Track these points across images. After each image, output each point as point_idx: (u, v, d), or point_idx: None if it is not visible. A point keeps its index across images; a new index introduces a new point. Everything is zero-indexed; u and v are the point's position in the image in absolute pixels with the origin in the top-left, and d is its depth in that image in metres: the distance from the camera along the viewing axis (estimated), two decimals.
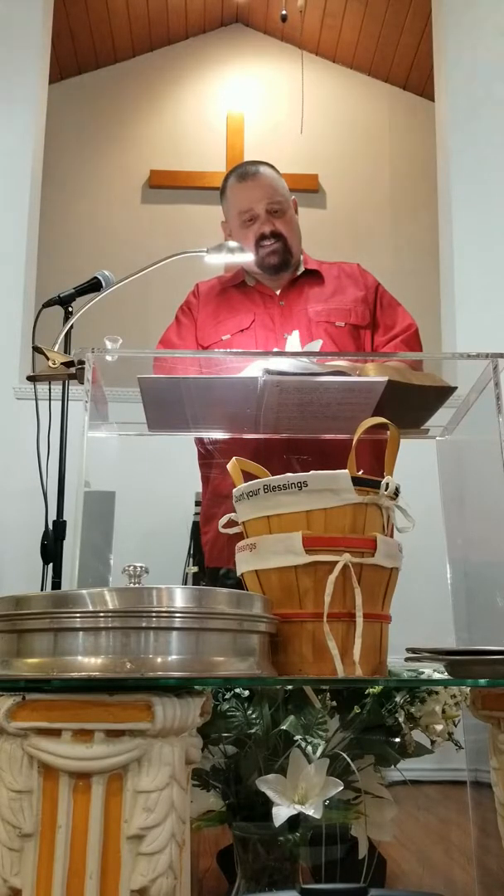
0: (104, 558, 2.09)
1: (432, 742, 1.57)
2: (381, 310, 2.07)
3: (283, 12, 4.72)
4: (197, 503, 2.93)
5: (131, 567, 1.00)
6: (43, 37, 4.07)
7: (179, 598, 0.94)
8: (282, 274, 2.08)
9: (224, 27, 5.69)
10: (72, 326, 1.93)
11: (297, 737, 1.38)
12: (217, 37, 5.67)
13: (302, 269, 2.11)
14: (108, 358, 1.51)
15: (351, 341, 2.00)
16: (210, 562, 2.00)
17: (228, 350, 1.97)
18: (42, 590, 2.02)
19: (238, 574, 1.21)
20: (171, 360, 2.01)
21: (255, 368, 1.52)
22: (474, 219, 3.77)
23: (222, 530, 1.25)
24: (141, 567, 1.00)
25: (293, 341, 1.80)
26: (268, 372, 1.48)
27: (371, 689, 1.48)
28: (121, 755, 0.87)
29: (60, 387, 2.13)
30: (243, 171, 2.10)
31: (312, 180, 5.40)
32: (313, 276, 2.11)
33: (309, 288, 2.09)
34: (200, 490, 2.12)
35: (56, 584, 2.02)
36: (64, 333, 1.85)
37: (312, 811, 1.32)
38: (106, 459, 1.68)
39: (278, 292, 2.09)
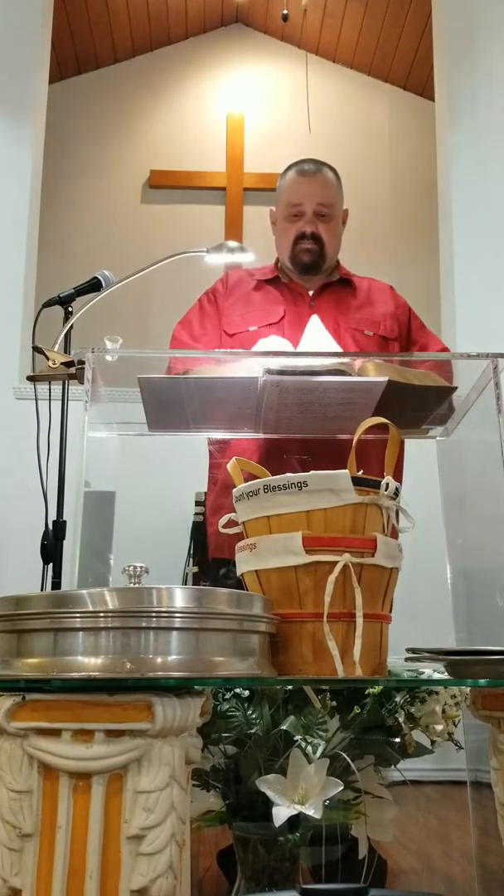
0: (104, 558, 2.09)
1: (432, 742, 1.57)
2: (416, 330, 2.10)
3: (285, 11, 4.71)
4: (197, 503, 2.93)
5: (131, 567, 1.00)
6: (43, 37, 4.07)
7: (179, 598, 0.94)
8: (311, 275, 2.09)
9: (224, 27, 5.69)
10: (72, 326, 1.93)
11: (297, 737, 1.38)
12: (217, 37, 5.67)
13: (336, 276, 2.12)
14: (108, 358, 1.51)
15: (378, 352, 2.02)
16: (214, 552, 1.99)
17: (228, 350, 1.96)
18: (42, 590, 2.02)
19: (238, 574, 1.21)
20: (183, 343, 2.02)
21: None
22: (474, 219, 3.77)
23: (222, 530, 1.24)
24: (141, 567, 1.00)
25: (314, 326, 1.78)
26: (268, 372, 1.48)
27: (371, 689, 1.48)
28: (121, 755, 0.87)
29: (60, 387, 2.13)
30: (305, 168, 2.13)
31: None
32: (346, 285, 2.13)
33: (340, 295, 2.10)
34: (200, 490, 2.12)
35: (56, 584, 2.01)
36: (64, 333, 1.84)
37: (312, 811, 1.32)
38: (106, 459, 1.67)
39: (311, 293, 2.09)
